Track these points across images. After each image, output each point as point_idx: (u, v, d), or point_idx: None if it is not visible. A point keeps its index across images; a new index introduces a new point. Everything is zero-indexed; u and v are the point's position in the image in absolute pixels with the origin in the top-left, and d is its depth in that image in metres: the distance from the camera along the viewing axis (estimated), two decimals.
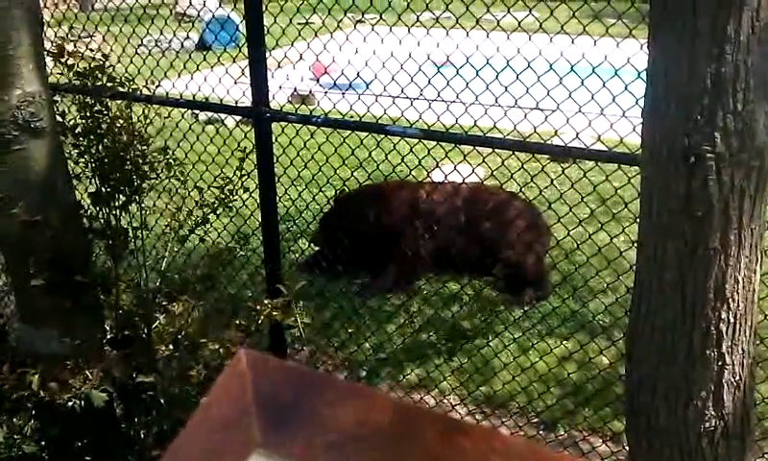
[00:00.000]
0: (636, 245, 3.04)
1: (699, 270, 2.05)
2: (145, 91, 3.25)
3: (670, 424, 2.24)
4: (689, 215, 2.00)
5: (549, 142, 3.48)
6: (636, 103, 2.98)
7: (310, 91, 6.94)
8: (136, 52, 4.57)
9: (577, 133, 3.17)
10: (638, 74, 2.93)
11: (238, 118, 6.31)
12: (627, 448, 2.59)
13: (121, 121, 2.95)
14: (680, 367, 2.17)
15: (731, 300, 2.08)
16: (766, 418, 3.58)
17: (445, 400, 4.31)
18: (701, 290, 2.07)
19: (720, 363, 2.14)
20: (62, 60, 3.12)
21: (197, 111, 6.04)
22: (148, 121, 3.11)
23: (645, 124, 2.09)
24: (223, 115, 6.49)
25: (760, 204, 2.02)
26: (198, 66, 4.81)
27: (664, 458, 2.30)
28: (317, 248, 5.51)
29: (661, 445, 2.29)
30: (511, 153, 3.30)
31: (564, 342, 4.42)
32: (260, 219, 3.85)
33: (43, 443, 2.93)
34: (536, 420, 4.19)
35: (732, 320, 2.10)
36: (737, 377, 2.17)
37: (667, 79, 1.97)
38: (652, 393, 2.27)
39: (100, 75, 3.06)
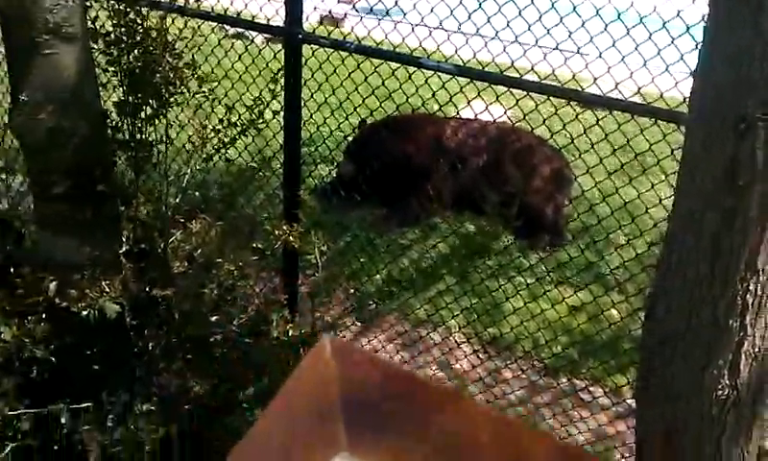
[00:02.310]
0: (662, 202, 3.01)
1: (735, 239, 2.01)
2: (179, 1, 3.17)
3: (684, 386, 2.24)
4: (732, 182, 1.95)
5: (587, 90, 3.40)
6: (681, 58, 2.90)
7: (345, 14, 6.78)
8: None
9: (616, 84, 3.08)
10: (687, 29, 2.84)
11: (268, 36, 6.19)
12: (632, 402, 2.59)
13: (154, 32, 2.88)
14: (701, 332, 2.15)
15: (761, 272, 2.04)
16: None
17: (451, 338, 4.33)
18: (734, 259, 2.03)
19: (741, 334, 2.11)
20: None
21: (227, 26, 5.92)
22: (180, 33, 3.04)
23: (696, 84, 2.02)
24: (252, 32, 6.35)
25: None
26: None
27: (673, 419, 2.30)
28: (337, 174, 5.47)
29: (672, 406, 2.29)
30: (546, 97, 3.22)
31: (577, 292, 4.41)
32: (282, 141, 3.80)
33: (52, 347, 2.95)
34: (540, 366, 4.21)
35: (759, 292, 2.07)
36: (756, 349, 2.15)
37: (725, 39, 1.90)
38: (670, 354, 2.26)
39: None
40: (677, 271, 2.20)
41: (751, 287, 2.07)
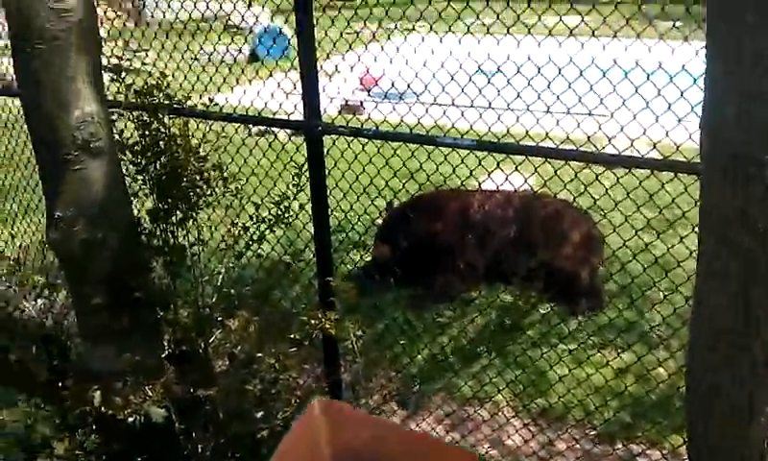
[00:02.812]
0: (692, 255, 2.98)
1: (761, 284, 1.99)
2: (200, 107, 3.30)
3: (731, 441, 2.19)
4: (749, 227, 1.94)
5: (603, 150, 3.44)
6: (692, 110, 2.93)
7: (361, 102, 6.98)
8: (190, 67, 4.64)
9: (632, 142, 3.12)
10: (694, 80, 2.87)
11: (290, 131, 6.37)
12: None
13: (179, 138, 3.00)
14: (742, 383, 2.11)
15: None
16: None
17: (500, 413, 4.27)
18: (764, 304, 2.01)
19: None
20: (120, 78, 3.20)
21: (250, 125, 6.13)
22: (204, 138, 3.16)
23: (703, 133, 2.04)
24: (275, 128, 6.55)
25: None
26: (250, 80, 4.87)
27: None
28: (369, 258, 5.53)
29: None
30: (564, 162, 3.27)
31: (621, 353, 4.34)
32: (313, 232, 3.87)
33: (104, 458, 2.99)
34: (593, 433, 4.12)
35: None
36: None
37: (725, 86, 1.92)
38: (712, 408, 2.22)
39: (157, 93, 3.13)
40: (709, 324, 2.17)
41: None
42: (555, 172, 3.50)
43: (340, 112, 7.79)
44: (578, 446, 3.98)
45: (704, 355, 2.22)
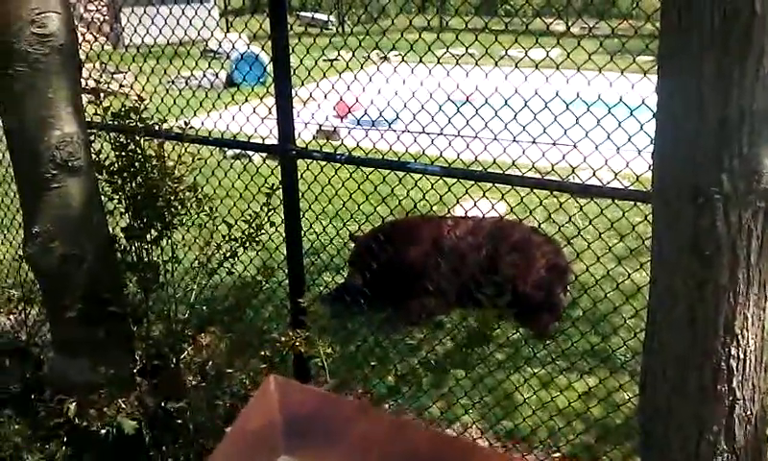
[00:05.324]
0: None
1: (709, 307, 2.10)
2: (176, 129, 3.39)
3: (683, 457, 2.28)
4: (698, 254, 2.05)
5: (567, 179, 3.56)
6: (652, 142, 3.05)
7: (335, 128, 7.10)
8: (167, 91, 4.72)
9: (594, 171, 3.24)
10: (654, 114, 3.00)
11: (264, 154, 6.46)
12: None
13: (154, 160, 3.09)
14: (692, 401, 2.21)
15: (740, 336, 2.12)
16: None
17: (467, 434, 4.34)
18: (711, 327, 2.11)
19: (731, 398, 2.17)
20: (98, 101, 3.28)
21: (225, 148, 6.20)
22: (179, 159, 3.24)
23: (655, 165, 2.16)
24: (250, 152, 6.64)
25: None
26: (226, 105, 4.95)
27: None
28: (341, 281, 5.60)
29: None
30: (530, 190, 3.38)
31: (585, 377, 4.44)
32: (286, 253, 3.95)
33: None
34: (557, 455, 4.20)
35: (742, 356, 2.14)
36: (748, 412, 2.21)
37: (675, 122, 2.04)
38: (665, 427, 2.31)
39: (134, 116, 3.21)
40: (661, 345, 2.28)
41: (733, 352, 2.14)
42: (521, 199, 3.62)
43: (314, 138, 7.90)
44: None
45: (657, 375, 2.32)
